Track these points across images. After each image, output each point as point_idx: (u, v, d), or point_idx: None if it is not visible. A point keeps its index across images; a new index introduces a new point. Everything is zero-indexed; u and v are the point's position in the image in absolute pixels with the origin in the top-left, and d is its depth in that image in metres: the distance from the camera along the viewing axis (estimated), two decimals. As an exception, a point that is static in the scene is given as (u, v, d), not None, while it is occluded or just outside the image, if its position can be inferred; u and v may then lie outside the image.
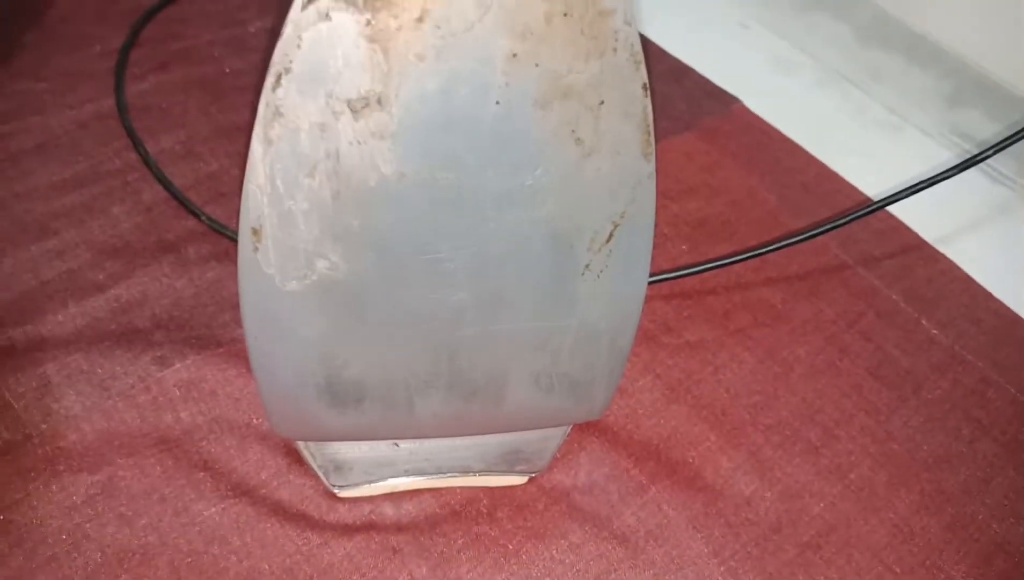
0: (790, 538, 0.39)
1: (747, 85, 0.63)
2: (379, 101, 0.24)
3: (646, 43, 0.66)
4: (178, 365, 0.41)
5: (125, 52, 0.56)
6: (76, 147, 0.50)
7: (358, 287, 0.28)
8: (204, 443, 0.39)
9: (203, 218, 0.47)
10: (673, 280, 0.49)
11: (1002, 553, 0.40)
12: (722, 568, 0.38)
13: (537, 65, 0.25)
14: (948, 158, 0.61)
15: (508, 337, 0.31)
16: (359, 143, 0.25)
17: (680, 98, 0.61)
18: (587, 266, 0.30)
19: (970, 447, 0.44)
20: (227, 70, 0.57)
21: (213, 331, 0.43)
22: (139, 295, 0.44)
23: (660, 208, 0.54)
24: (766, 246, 0.48)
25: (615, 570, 0.37)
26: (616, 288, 0.31)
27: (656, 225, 0.52)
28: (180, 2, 0.61)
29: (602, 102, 0.26)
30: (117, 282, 0.44)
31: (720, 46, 0.68)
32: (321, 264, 0.28)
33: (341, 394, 0.32)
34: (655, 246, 0.51)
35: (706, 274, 0.49)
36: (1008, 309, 0.52)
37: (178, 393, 0.40)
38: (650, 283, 0.48)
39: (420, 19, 0.23)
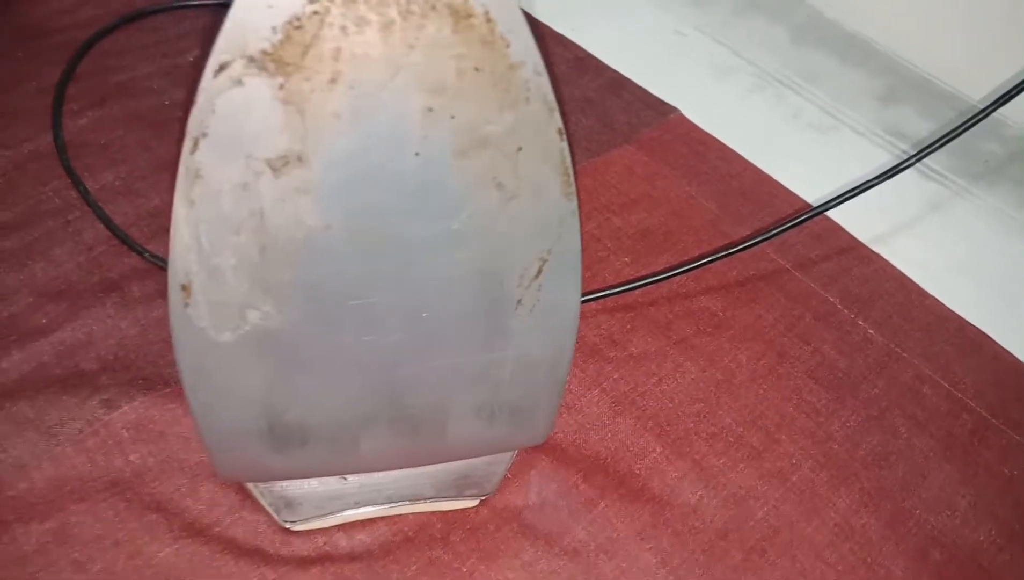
0: (736, 543, 0.41)
1: (685, 93, 0.65)
2: (299, 158, 0.25)
3: (585, 56, 0.67)
4: (125, 407, 0.41)
5: (61, 88, 0.55)
6: (14, 189, 0.50)
7: (292, 335, 0.29)
8: (155, 484, 0.39)
9: (146, 255, 0.47)
10: (617, 294, 0.50)
11: (938, 546, 0.42)
12: (671, 577, 0.39)
13: (453, 117, 0.25)
14: (881, 157, 0.63)
15: (447, 373, 0.32)
16: (282, 200, 0.26)
17: (619, 110, 0.62)
18: (519, 301, 0.31)
19: (907, 443, 0.46)
20: (166, 102, 0.56)
21: (159, 370, 0.43)
22: (84, 337, 0.44)
23: (603, 222, 0.55)
24: (705, 257, 0.50)
25: (566, 586, 0.39)
26: (549, 320, 0.32)
27: (600, 239, 0.54)
28: (116, 34, 0.60)
29: (520, 149, 0.27)
30: (61, 325, 0.44)
31: (658, 55, 0.69)
32: (253, 315, 0.28)
33: (284, 437, 0.32)
34: (599, 261, 0.53)
35: (649, 286, 0.50)
36: (941, 305, 0.53)
37: (127, 435, 0.40)
38: (595, 298, 0.50)
39: (333, 80, 0.24)
